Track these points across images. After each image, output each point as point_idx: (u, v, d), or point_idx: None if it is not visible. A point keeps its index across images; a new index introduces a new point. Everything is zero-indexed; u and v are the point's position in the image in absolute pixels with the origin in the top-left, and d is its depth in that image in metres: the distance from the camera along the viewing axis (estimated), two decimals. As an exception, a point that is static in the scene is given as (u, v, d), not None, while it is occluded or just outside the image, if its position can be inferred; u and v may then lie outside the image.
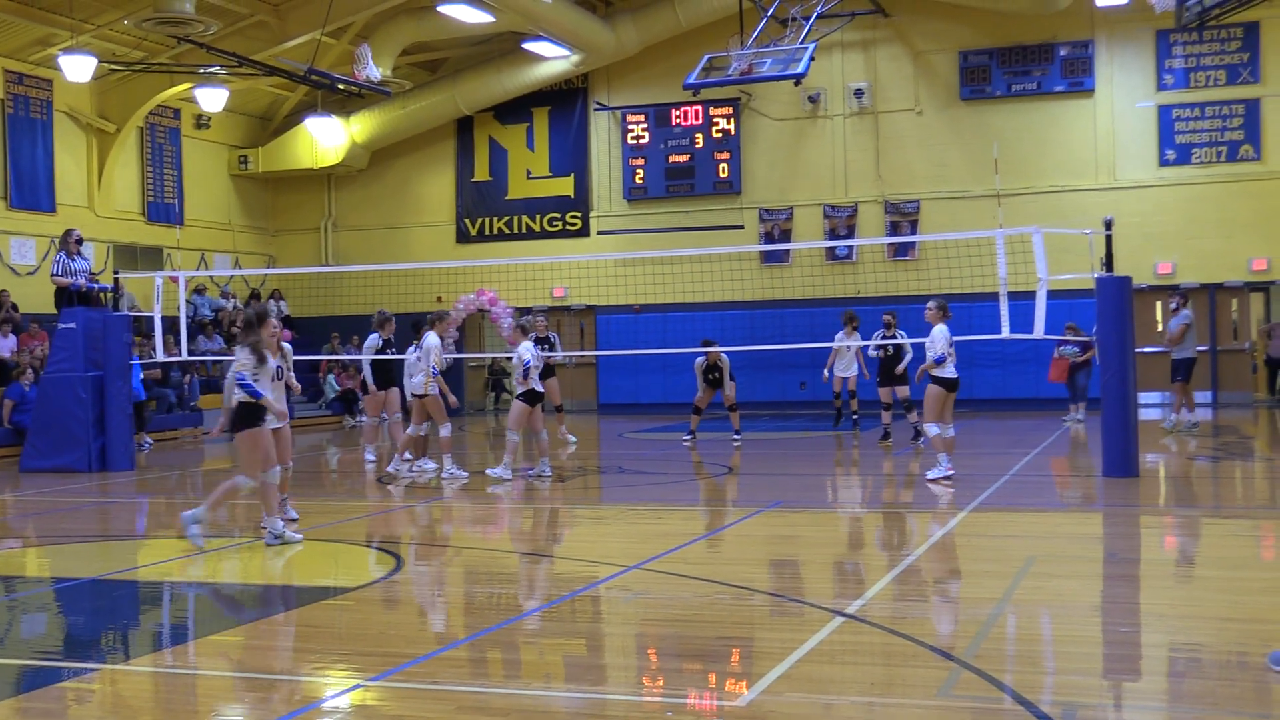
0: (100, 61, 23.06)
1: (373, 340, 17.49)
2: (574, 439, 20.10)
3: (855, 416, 21.43)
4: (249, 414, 10.79)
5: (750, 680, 6.41)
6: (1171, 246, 25.76)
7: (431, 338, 15.89)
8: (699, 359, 19.90)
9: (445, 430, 15.96)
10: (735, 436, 19.83)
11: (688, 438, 20.08)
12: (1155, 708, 5.96)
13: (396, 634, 7.94)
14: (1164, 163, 25.86)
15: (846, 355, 20.82)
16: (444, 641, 7.62)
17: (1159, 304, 26.13)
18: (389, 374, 17.72)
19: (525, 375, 15.31)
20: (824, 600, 8.29)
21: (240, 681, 6.71)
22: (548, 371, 20.13)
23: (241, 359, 10.83)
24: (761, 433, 22.40)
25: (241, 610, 8.88)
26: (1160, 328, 26.05)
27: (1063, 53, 26.32)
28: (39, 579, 10.39)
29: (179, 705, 6.41)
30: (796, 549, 10.76)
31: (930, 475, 14.22)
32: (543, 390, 15.76)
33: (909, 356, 18.77)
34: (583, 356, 28.11)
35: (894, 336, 18.83)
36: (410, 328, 17.94)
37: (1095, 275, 14.53)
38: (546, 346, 19.93)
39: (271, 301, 29.65)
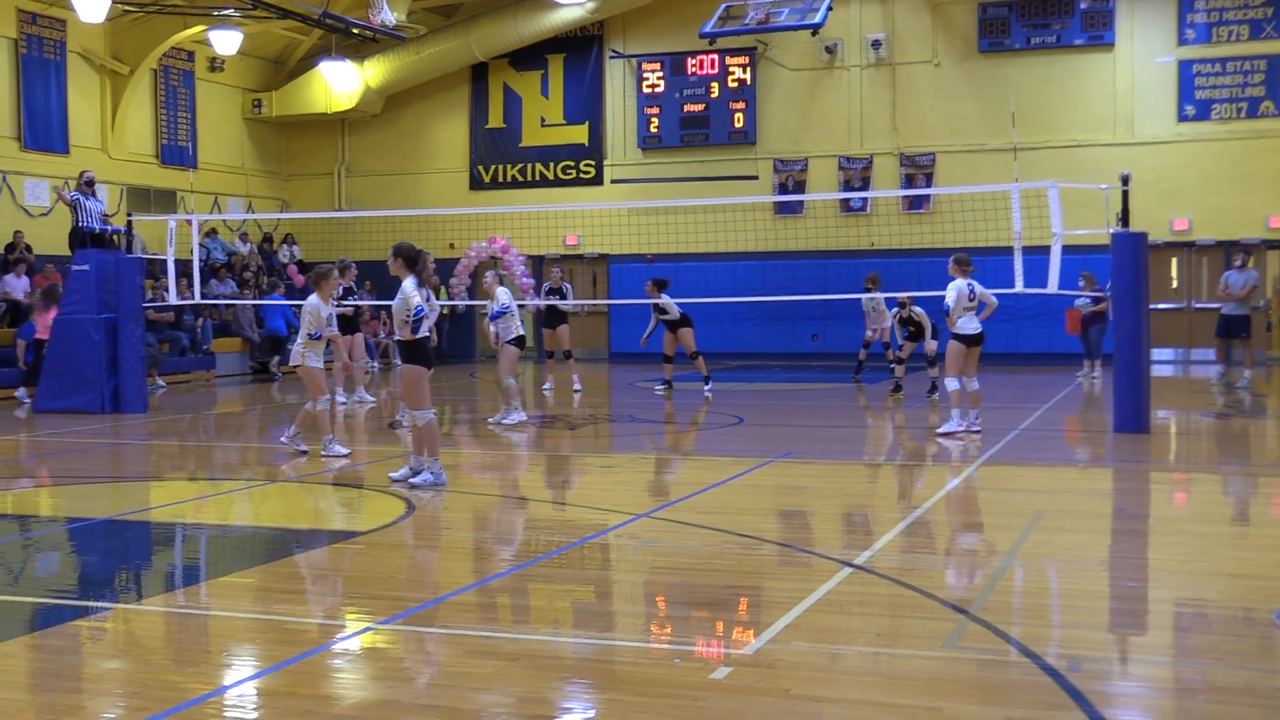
0: (114, 2, 22.93)
1: None
2: (568, 388, 20.24)
3: (891, 366, 20.99)
4: (417, 350, 10.90)
5: (758, 629, 6.45)
6: (1188, 203, 25.59)
7: (312, 299, 13.10)
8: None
9: (322, 403, 13.19)
10: (705, 387, 19.38)
11: (661, 388, 19.90)
12: (1161, 662, 5.99)
13: (406, 578, 7.99)
14: (1183, 118, 25.65)
15: (874, 314, 20.80)
16: (453, 586, 7.67)
17: (1174, 260, 26.03)
18: (351, 320, 18.40)
19: (494, 317, 15.76)
20: (832, 551, 8.33)
21: (251, 622, 6.77)
22: (559, 319, 20.49)
23: (413, 293, 10.81)
24: (773, 384, 22.41)
25: (253, 552, 8.94)
26: (1175, 283, 25.99)
27: (1083, 5, 26.04)
28: (53, 519, 10.46)
29: (191, 644, 6.47)
30: (805, 500, 10.79)
31: (942, 429, 14.21)
32: (524, 334, 16.05)
33: (928, 330, 18.57)
34: (595, 305, 28.09)
35: (910, 316, 18.58)
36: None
37: (1111, 231, 14.47)
38: (558, 296, 20.30)
39: (284, 246, 29.66)
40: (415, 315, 10.66)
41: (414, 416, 10.93)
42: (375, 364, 25.88)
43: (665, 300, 19.37)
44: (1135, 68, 25.91)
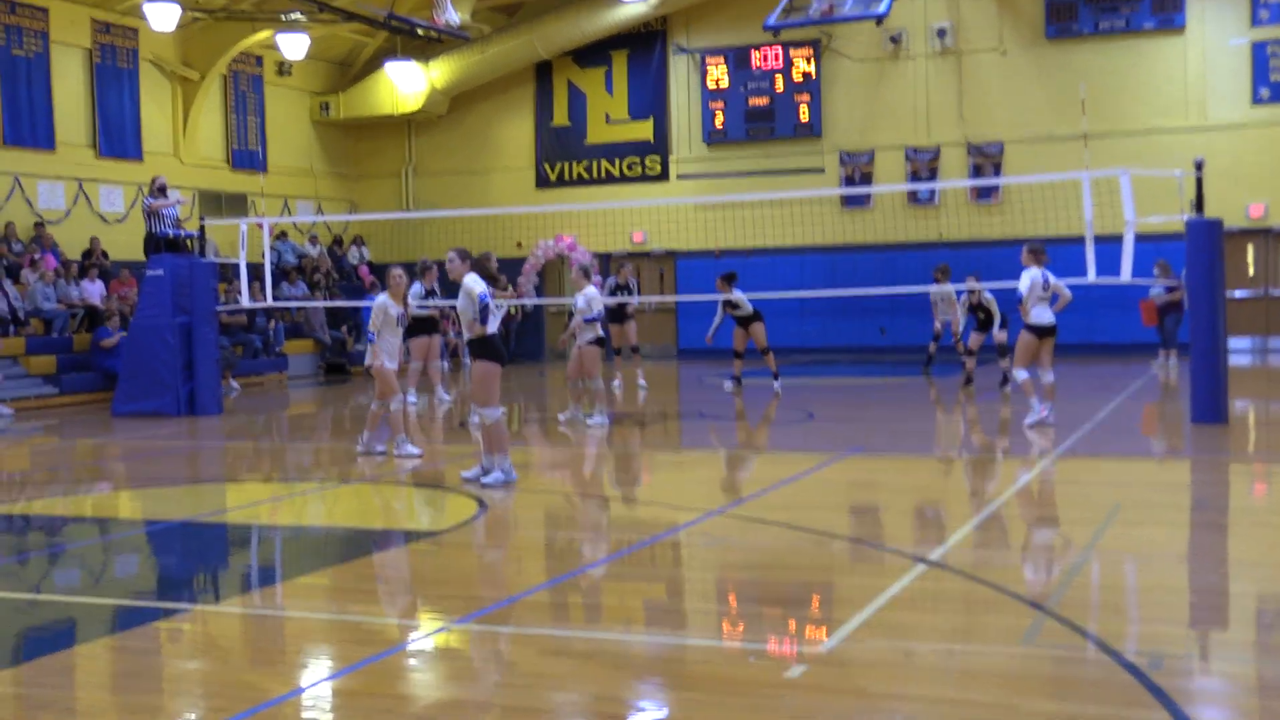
0: (184, 10, 23.26)
1: (415, 288, 17.90)
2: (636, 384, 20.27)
3: (962, 359, 20.57)
4: (488, 347, 10.91)
5: (831, 626, 6.41)
6: (1264, 188, 25.11)
7: (380, 297, 13.38)
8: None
9: (395, 404, 13.24)
10: (732, 385, 19.44)
11: (730, 384, 19.78)
12: (1243, 659, 5.88)
13: (480, 577, 8.03)
14: (1257, 101, 25.17)
15: (942, 304, 20.63)
16: (526, 585, 7.69)
17: (1250, 247, 25.56)
18: (431, 321, 18.57)
19: (591, 321, 15.27)
20: (905, 547, 8.26)
21: (326, 623, 6.83)
22: (624, 316, 20.52)
23: (475, 285, 10.81)
24: (842, 378, 22.28)
25: (327, 553, 9.02)
26: (1251, 271, 25.51)
27: (1153, -11, 25.66)
28: (131, 521, 10.63)
29: (268, 645, 6.54)
30: (877, 495, 10.72)
31: (1028, 421, 14.01)
32: (605, 335, 15.74)
33: (997, 319, 18.38)
34: (662, 301, 28.08)
35: (980, 303, 18.39)
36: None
37: (1185, 218, 14.23)
38: (625, 292, 20.37)
39: (354, 247, 29.92)
40: (482, 303, 10.62)
41: (483, 415, 10.94)
42: (445, 364, 26.02)
43: (738, 295, 19.18)
44: (1207, 51, 25.46)
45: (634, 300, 20.78)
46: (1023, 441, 13.19)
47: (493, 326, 10.86)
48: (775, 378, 19.44)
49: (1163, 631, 6.28)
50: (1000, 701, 5.20)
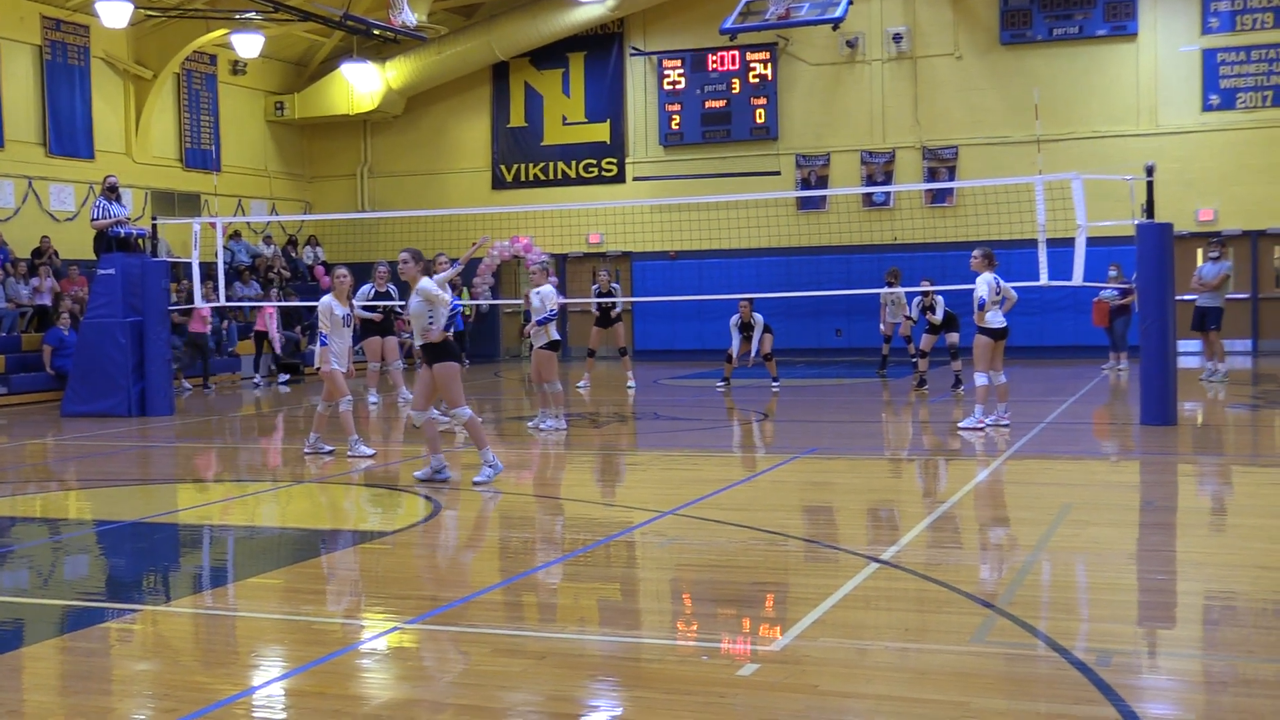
0: (137, 7, 23.04)
1: (365, 289, 18.12)
2: (605, 385, 20.33)
3: (915, 360, 20.84)
4: (447, 349, 11.02)
5: (784, 625, 6.43)
6: (1214, 193, 25.42)
7: (325, 299, 13.21)
8: (734, 316, 19.95)
9: (344, 405, 13.16)
10: (774, 384, 19.83)
11: (721, 384, 20.20)
12: (1190, 655, 5.95)
13: (433, 577, 8.01)
14: (1207, 107, 25.47)
15: (892, 306, 21.07)
16: (480, 585, 7.68)
17: (1200, 251, 25.82)
18: (384, 322, 18.58)
19: (544, 322, 14.89)
20: (858, 546, 8.30)
21: (279, 623, 6.79)
22: (610, 319, 20.66)
23: (435, 289, 10.89)
24: (797, 379, 22.36)
25: (280, 553, 8.97)
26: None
27: (1105, -4, 25.91)
28: (81, 521, 10.53)
29: (219, 646, 6.50)
30: (831, 495, 10.77)
31: (963, 425, 14.16)
32: (560, 338, 15.42)
33: (940, 310, 18.70)
34: (626, 302, 28.07)
35: (933, 306, 18.70)
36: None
37: (1136, 222, 14.39)
38: (608, 298, 20.60)
39: (308, 248, 29.74)
40: (454, 310, 10.91)
41: (454, 415, 11.06)
42: (402, 364, 25.91)
43: (757, 317, 19.86)
44: (1159, 57, 25.74)
45: (619, 304, 20.96)
46: (971, 442, 13.28)
47: (441, 327, 10.96)
48: (726, 381, 20.17)
49: (1111, 629, 6.34)
50: (952, 699, 5.24)
